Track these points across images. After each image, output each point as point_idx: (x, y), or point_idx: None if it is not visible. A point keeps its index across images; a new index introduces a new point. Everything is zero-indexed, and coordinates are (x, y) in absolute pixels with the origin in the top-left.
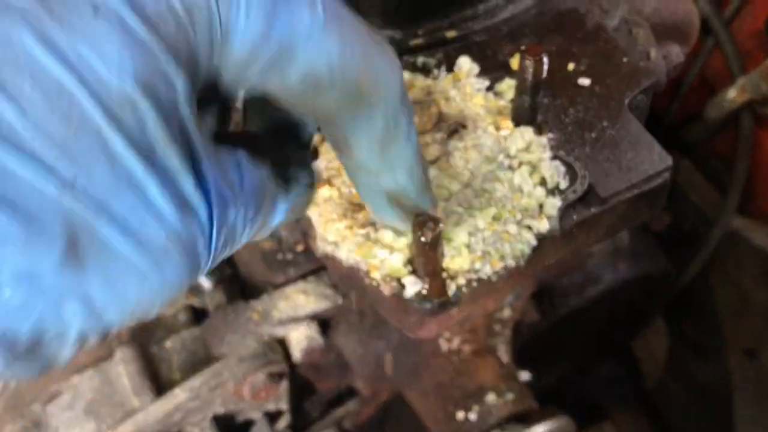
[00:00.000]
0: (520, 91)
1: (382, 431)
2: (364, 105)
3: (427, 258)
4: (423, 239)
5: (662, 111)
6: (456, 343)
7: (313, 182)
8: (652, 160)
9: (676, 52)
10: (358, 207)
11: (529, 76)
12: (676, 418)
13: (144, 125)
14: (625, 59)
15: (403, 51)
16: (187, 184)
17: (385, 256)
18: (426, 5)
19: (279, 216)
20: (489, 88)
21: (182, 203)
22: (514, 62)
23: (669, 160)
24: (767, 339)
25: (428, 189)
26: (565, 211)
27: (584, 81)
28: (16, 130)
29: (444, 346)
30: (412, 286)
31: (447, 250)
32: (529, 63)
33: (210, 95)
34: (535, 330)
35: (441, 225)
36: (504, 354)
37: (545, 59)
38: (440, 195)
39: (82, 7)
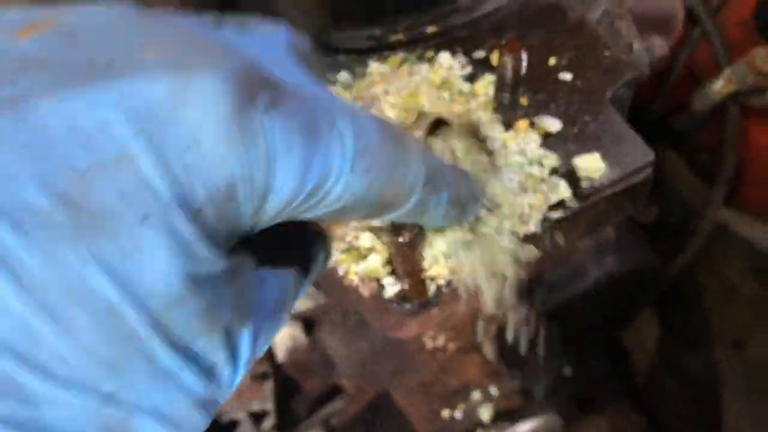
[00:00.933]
0: (499, 87)
1: (370, 429)
2: (392, 209)
3: (405, 258)
4: (401, 240)
5: (648, 102)
6: (441, 340)
7: (329, 251)
8: (635, 155)
9: (659, 44)
10: None
11: (508, 73)
12: (666, 409)
13: (188, 322)
14: (606, 53)
15: (383, 47)
16: (220, 358)
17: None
18: (406, 1)
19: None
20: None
21: (210, 375)
22: (495, 58)
23: (651, 155)
24: (755, 331)
25: (471, 206)
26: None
27: (566, 75)
28: (65, 359)
29: (429, 344)
30: (392, 287)
31: (426, 252)
32: (507, 59)
33: None
34: (522, 326)
35: (417, 227)
36: (489, 351)
37: (524, 55)
38: None
39: (128, 216)
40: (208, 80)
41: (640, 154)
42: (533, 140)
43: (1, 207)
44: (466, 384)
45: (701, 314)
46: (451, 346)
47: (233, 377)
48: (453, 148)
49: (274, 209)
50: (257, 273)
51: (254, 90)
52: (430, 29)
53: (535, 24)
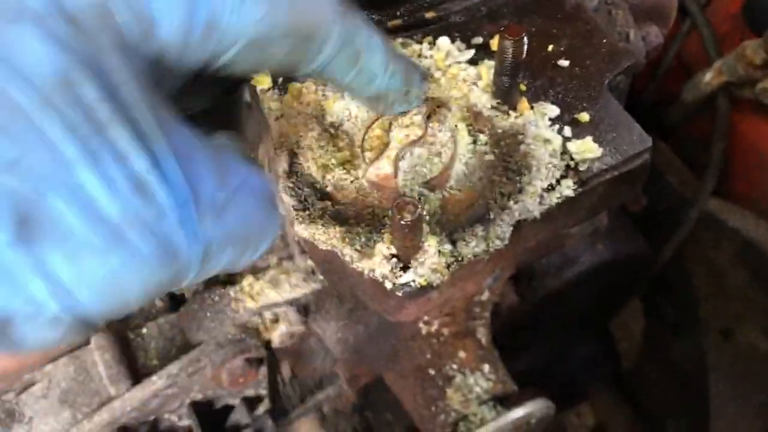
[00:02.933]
0: (499, 72)
1: (363, 415)
2: (314, 44)
3: (407, 240)
4: (403, 222)
5: (640, 93)
6: (435, 326)
7: None
8: (632, 141)
9: (655, 33)
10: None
11: (509, 57)
12: (653, 397)
13: (82, 107)
14: (604, 40)
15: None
16: (139, 163)
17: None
18: None
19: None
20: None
21: (136, 183)
22: (494, 43)
23: (649, 141)
24: (743, 319)
25: (412, 71)
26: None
27: (563, 62)
28: None
29: (423, 329)
30: (412, 275)
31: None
32: (508, 43)
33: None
34: (514, 312)
35: (420, 208)
36: (483, 336)
37: (525, 40)
38: (422, 174)
39: (6, 13)
40: None
41: (637, 140)
42: (541, 121)
43: None
44: (460, 369)
45: (690, 302)
46: (446, 331)
47: (181, 215)
48: (453, 131)
49: (172, 35)
50: (223, 148)
51: None
52: (428, 14)
53: (532, 10)
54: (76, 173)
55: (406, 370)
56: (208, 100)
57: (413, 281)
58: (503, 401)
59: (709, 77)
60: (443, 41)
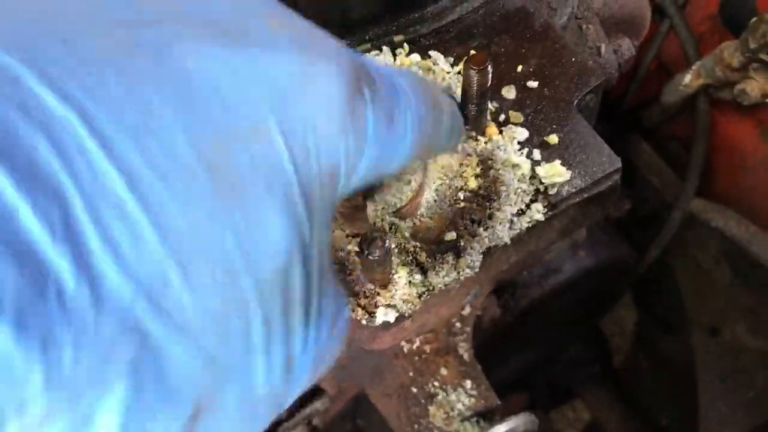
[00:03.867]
0: (465, 99)
1: (354, 425)
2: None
3: (376, 273)
4: (371, 257)
5: (620, 95)
6: (417, 343)
7: None
8: (602, 163)
9: (627, 46)
10: None
11: (474, 86)
12: (644, 393)
13: (285, 301)
14: (573, 59)
15: None
16: (296, 343)
17: None
18: (373, 10)
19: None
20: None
21: (289, 364)
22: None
23: (618, 162)
24: (729, 317)
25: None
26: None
27: (532, 83)
28: (183, 307)
29: (405, 347)
30: (383, 317)
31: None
32: (473, 73)
33: None
34: (497, 324)
35: (388, 241)
36: (465, 352)
37: (490, 69)
38: (393, 203)
39: (257, 185)
40: (333, 66)
41: (607, 161)
42: (510, 146)
43: (151, 153)
44: (442, 386)
45: (677, 301)
46: (427, 348)
47: (305, 363)
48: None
49: (353, 185)
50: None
51: (361, 83)
52: (397, 38)
53: (501, 30)
54: (257, 360)
55: (390, 388)
56: None
57: (386, 317)
58: (486, 416)
59: (688, 79)
60: (437, 55)
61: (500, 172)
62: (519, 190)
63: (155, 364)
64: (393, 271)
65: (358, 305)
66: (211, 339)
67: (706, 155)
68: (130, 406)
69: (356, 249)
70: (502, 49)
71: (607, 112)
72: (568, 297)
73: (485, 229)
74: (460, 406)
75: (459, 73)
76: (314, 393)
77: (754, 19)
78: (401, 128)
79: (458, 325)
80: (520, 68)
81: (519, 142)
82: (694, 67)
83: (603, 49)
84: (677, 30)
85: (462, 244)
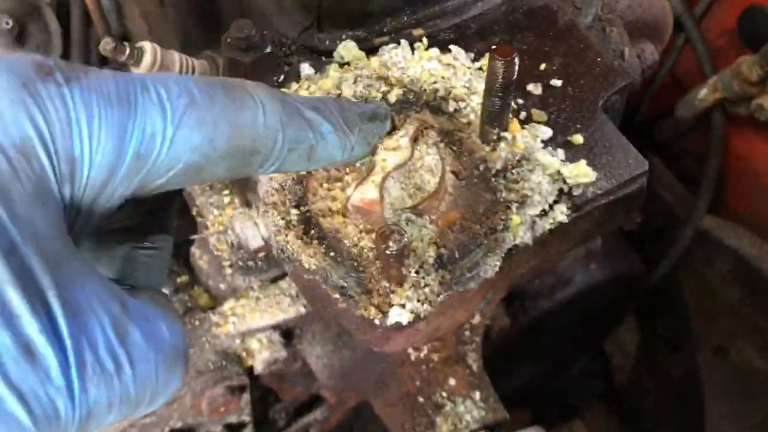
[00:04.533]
0: (488, 93)
1: None
2: (257, 157)
3: (392, 269)
4: (387, 252)
5: (633, 108)
6: (424, 351)
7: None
8: (628, 165)
9: (651, 51)
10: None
11: (499, 78)
12: (648, 413)
13: None
14: (598, 59)
15: (367, 50)
16: (30, 324)
17: None
18: (392, 3)
19: None
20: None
21: (24, 346)
22: (484, 62)
23: (645, 165)
24: (737, 337)
25: (372, 130)
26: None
27: (556, 81)
28: None
29: (412, 355)
30: (396, 317)
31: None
32: (498, 64)
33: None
34: (506, 334)
35: (406, 236)
36: (474, 362)
37: (516, 60)
38: (409, 198)
39: None
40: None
41: (633, 163)
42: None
43: None
44: (450, 396)
45: (684, 319)
46: (435, 357)
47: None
48: (440, 152)
49: (100, 177)
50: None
51: (46, 70)
52: (416, 32)
53: (524, 27)
54: None
55: (395, 398)
56: (139, 215)
57: (399, 317)
58: (494, 430)
59: (704, 93)
60: (457, 50)
61: (524, 171)
62: (543, 190)
63: None
64: (409, 269)
65: (371, 304)
66: None
67: (719, 171)
68: None
69: (370, 245)
70: (525, 47)
71: (619, 127)
72: (577, 310)
73: (506, 230)
74: (468, 417)
75: (480, 69)
76: (314, 402)
77: None
78: (150, 105)
79: (467, 333)
80: (543, 66)
81: (542, 141)
82: (710, 81)
83: (626, 53)
84: (693, 43)
85: (481, 245)
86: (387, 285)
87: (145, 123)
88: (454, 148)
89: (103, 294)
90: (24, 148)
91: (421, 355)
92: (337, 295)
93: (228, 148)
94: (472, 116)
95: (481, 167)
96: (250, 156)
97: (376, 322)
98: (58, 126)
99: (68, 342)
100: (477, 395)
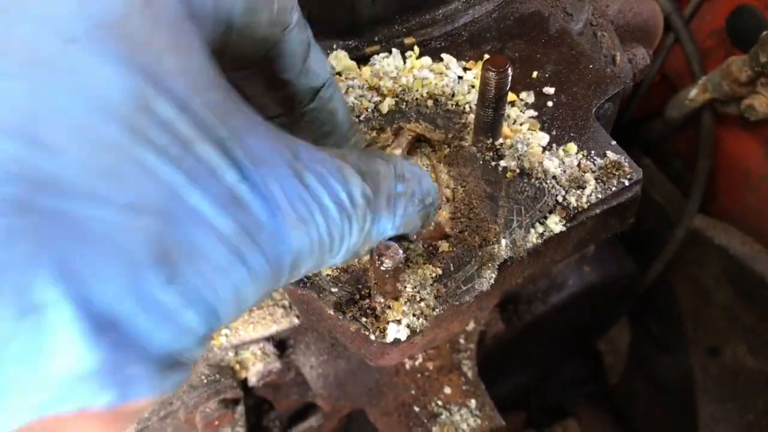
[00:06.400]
0: (482, 103)
1: None
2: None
3: (387, 285)
4: (383, 268)
5: (623, 109)
6: (419, 360)
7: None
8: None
9: (642, 55)
10: None
11: (492, 89)
12: (640, 414)
13: (165, 128)
14: (590, 66)
15: (359, 59)
16: (230, 174)
17: None
18: (382, 12)
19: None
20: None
21: (232, 197)
22: (477, 71)
23: (639, 173)
24: (729, 338)
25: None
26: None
27: (549, 90)
28: (63, 178)
29: (407, 363)
30: (395, 333)
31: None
32: (491, 75)
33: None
34: (500, 339)
35: (401, 253)
36: (469, 370)
37: (509, 71)
38: None
39: (61, 30)
40: None
41: (627, 172)
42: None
43: None
44: (445, 405)
45: (676, 320)
46: (430, 365)
47: (272, 221)
48: (433, 163)
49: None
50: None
51: None
52: (407, 41)
53: (515, 35)
54: (187, 198)
55: (390, 407)
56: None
57: (398, 334)
58: None
59: (693, 93)
60: (449, 58)
61: (539, 179)
62: (542, 198)
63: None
64: (405, 284)
65: (367, 320)
66: (115, 192)
67: (709, 171)
68: None
69: (366, 259)
70: (516, 54)
71: (610, 131)
72: (570, 312)
73: (500, 243)
74: (464, 426)
75: (474, 79)
76: (308, 409)
77: (765, 32)
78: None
79: (462, 341)
80: (535, 74)
81: (541, 147)
82: (700, 81)
83: (618, 58)
84: (683, 44)
85: (476, 259)
86: (382, 300)
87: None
88: (449, 157)
89: (276, 142)
90: None
91: (416, 363)
92: (332, 311)
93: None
94: (469, 118)
95: (480, 175)
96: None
97: (372, 338)
98: None
99: (264, 190)
100: (473, 403)
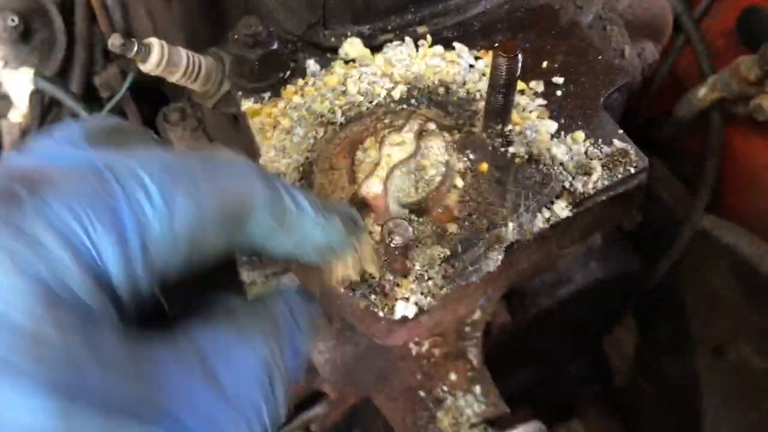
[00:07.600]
0: (492, 88)
1: None
2: (245, 221)
3: (396, 263)
4: (393, 245)
5: (633, 108)
6: (426, 346)
7: None
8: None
9: (651, 50)
10: None
11: (503, 75)
12: (645, 414)
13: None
14: (599, 57)
15: (372, 47)
16: None
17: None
18: (397, 1)
19: None
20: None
21: None
22: (488, 59)
23: (645, 161)
24: (736, 337)
25: (346, 227)
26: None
27: (558, 79)
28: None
29: (413, 350)
30: (403, 310)
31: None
32: (502, 61)
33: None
34: (506, 331)
35: (411, 230)
36: (474, 357)
37: (519, 57)
38: (414, 193)
39: None
40: None
41: (634, 159)
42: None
43: None
44: (451, 391)
45: (682, 320)
46: (437, 351)
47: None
48: (446, 150)
49: (122, 278)
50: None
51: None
52: (420, 30)
53: (526, 26)
54: None
55: (396, 392)
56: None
57: (406, 311)
58: (495, 424)
59: (702, 93)
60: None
61: (547, 165)
62: (550, 182)
63: None
64: (413, 262)
65: (376, 297)
66: None
67: (718, 170)
68: None
69: (377, 238)
70: (527, 45)
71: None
72: (576, 308)
73: (507, 226)
74: (469, 412)
75: (485, 68)
76: (315, 397)
77: None
78: (133, 191)
79: (468, 329)
80: (545, 64)
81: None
82: (709, 81)
83: (627, 52)
84: (693, 44)
85: (483, 240)
86: (392, 278)
87: (134, 209)
88: (459, 142)
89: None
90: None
91: (422, 350)
92: (342, 289)
93: (221, 210)
94: (479, 105)
95: (491, 160)
96: (240, 214)
97: (381, 315)
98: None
99: None
100: (477, 390)
